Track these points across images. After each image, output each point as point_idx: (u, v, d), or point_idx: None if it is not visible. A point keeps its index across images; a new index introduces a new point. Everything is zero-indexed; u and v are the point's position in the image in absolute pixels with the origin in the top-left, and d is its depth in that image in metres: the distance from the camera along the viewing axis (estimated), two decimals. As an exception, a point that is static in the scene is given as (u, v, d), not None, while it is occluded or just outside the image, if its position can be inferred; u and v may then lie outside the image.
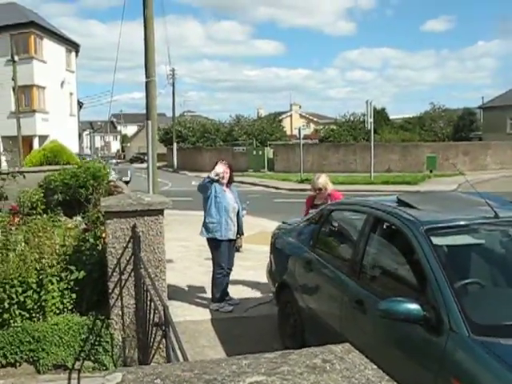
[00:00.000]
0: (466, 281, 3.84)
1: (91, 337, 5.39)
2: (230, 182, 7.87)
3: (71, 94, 42.90)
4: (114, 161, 53.00)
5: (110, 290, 5.37)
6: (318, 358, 1.35)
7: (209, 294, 7.81)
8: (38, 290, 5.38)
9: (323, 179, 7.54)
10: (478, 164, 38.38)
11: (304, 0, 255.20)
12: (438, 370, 3.32)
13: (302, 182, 30.61)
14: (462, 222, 4.20)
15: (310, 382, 1.20)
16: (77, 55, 44.80)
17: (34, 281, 5.35)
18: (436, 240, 3.96)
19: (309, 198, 7.76)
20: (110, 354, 5.37)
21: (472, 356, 3.17)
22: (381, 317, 3.71)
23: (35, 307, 5.40)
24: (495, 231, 4.43)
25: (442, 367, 3.30)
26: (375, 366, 1.35)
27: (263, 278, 7.51)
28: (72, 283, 5.60)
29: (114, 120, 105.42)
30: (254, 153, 44.17)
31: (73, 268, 5.64)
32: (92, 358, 5.40)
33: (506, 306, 3.70)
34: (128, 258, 5.29)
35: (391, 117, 63.07)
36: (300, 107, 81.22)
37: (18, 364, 5.29)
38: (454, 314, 3.39)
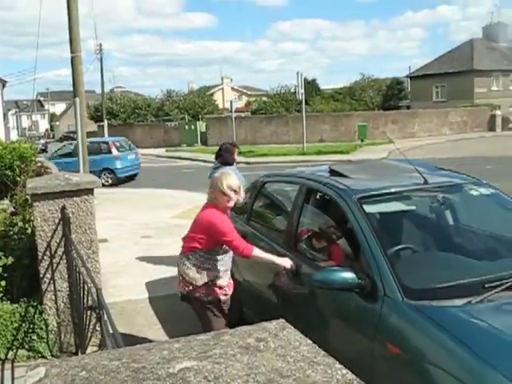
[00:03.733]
0: (399, 247, 3.92)
1: (24, 324, 5.21)
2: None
3: (-8, 72, 41.09)
4: (43, 140, 51.34)
5: (41, 275, 5.20)
6: (252, 338, 1.32)
7: (145, 272, 7.70)
8: (-36, 278, 5.15)
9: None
10: (407, 132, 39.37)
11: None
12: (374, 336, 3.38)
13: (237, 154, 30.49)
14: (393, 190, 4.26)
15: (244, 363, 1.16)
16: (-4, 31, 42.81)
17: (-41, 269, 5.11)
18: (368, 208, 4.00)
19: (223, 214, 4.52)
20: (46, 340, 5.22)
21: (406, 320, 3.24)
22: (317, 287, 3.74)
23: (-39, 297, 5.17)
24: (425, 197, 4.53)
25: (377, 333, 3.35)
26: (310, 342, 1.32)
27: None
28: (0, 270, 5.38)
29: (41, 98, 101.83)
30: (187, 127, 43.74)
31: (1, 254, 5.43)
32: (26, 347, 5.23)
33: (436, 270, 3.79)
34: (58, 240, 5.12)
35: (322, 87, 63.73)
36: (231, 80, 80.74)
37: None
38: (387, 279, 3.45)
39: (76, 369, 1.22)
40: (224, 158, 7.48)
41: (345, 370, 1.18)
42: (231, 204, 4.44)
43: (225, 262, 4.51)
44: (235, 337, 1.32)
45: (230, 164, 7.37)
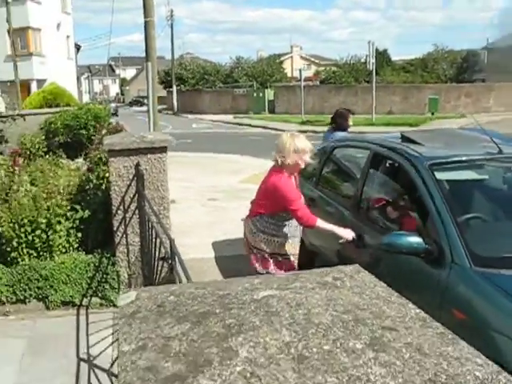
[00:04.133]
0: (469, 215, 3.88)
1: (98, 274, 5.48)
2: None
3: (68, 36, 42.09)
4: (114, 104, 52.56)
5: (114, 229, 5.43)
6: (329, 277, 1.38)
7: (212, 233, 7.88)
8: (47, 229, 5.43)
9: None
10: (481, 106, 38.00)
11: None
12: (440, 301, 3.39)
13: (303, 123, 30.49)
14: (465, 158, 4.20)
15: (323, 295, 1.23)
16: (73, -4, 43.79)
17: (44, 221, 5.39)
18: (440, 175, 3.97)
19: (290, 180, 4.51)
20: (117, 290, 5.47)
21: (474, 286, 3.24)
22: (384, 250, 3.76)
23: (43, 246, 5.46)
24: (499, 167, 4.43)
25: (444, 299, 3.36)
26: (384, 284, 1.38)
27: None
28: (78, 222, 5.65)
29: (113, 63, 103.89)
30: (255, 95, 43.76)
31: (78, 207, 5.69)
32: (99, 295, 5.50)
33: (506, 240, 3.74)
34: (132, 196, 5.32)
35: (393, 58, 62.16)
36: (301, 49, 79.98)
37: (27, 300, 5.40)
38: (456, 246, 3.44)
39: (165, 294, 1.31)
40: (338, 123, 7.40)
41: (418, 310, 1.23)
42: (301, 166, 4.40)
43: (291, 228, 4.50)
44: (313, 275, 1.39)
45: (344, 130, 7.29)
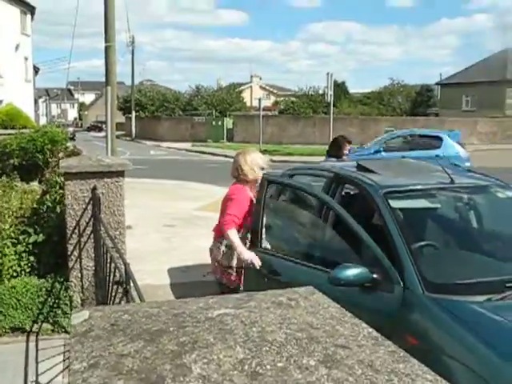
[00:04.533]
0: (422, 243, 3.95)
1: (50, 299, 5.36)
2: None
3: (26, 58, 41.66)
4: (71, 129, 52.00)
5: (69, 253, 5.33)
6: (284, 297, 1.39)
7: (167, 259, 7.82)
8: (-5, 252, 5.30)
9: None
10: (435, 139, 39.01)
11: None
12: (393, 327, 3.42)
13: (261, 152, 30.68)
14: (419, 187, 4.30)
15: (277, 315, 1.24)
16: (32, 18, 43.44)
17: (-8, 243, 5.27)
18: (394, 203, 4.04)
19: (244, 191, 4.96)
20: (69, 315, 5.35)
21: (426, 312, 3.29)
22: (334, 284, 3.69)
23: (-9, 270, 5.33)
24: (451, 196, 4.56)
25: (397, 324, 3.40)
26: (338, 305, 1.39)
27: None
28: (30, 246, 5.54)
29: (71, 87, 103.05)
30: (214, 123, 43.97)
31: (31, 231, 5.57)
32: (51, 321, 5.37)
33: (458, 267, 3.83)
34: (87, 219, 5.25)
35: (351, 91, 63.55)
36: (260, 79, 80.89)
37: (-26, 326, 5.23)
38: (409, 272, 3.49)
39: (119, 312, 1.30)
40: (333, 150, 7.44)
41: (370, 329, 1.25)
42: (257, 177, 4.80)
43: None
44: (267, 295, 1.40)
45: (339, 157, 7.20)
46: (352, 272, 3.55)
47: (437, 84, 58.54)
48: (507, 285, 3.41)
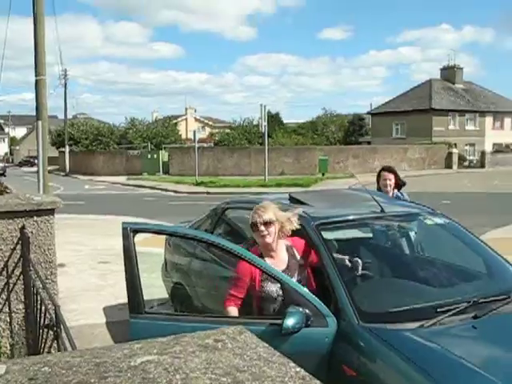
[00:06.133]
0: (355, 272, 4.01)
1: (-25, 346, 5.10)
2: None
3: (-48, 93, 40.39)
4: (1, 164, 50.51)
5: (-4, 296, 5.11)
6: (210, 339, 1.37)
7: (102, 297, 7.62)
8: None
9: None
10: (367, 167, 40.07)
11: (207, 4, 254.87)
12: (328, 359, 3.42)
13: (197, 184, 30.71)
14: (350, 217, 4.37)
15: (202, 359, 1.22)
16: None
17: None
18: (326, 234, 4.09)
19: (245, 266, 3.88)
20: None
21: (361, 342, 3.32)
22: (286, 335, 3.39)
23: None
24: (382, 225, 4.66)
25: (332, 357, 3.40)
26: (266, 345, 1.38)
27: (159, 280, 7.44)
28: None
29: (2, 122, 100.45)
30: (149, 156, 43.67)
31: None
32: (-23, 369, 5.11)
33: (391, 295, 3.90)
34: (16, 260, 5.06)
35: (285, 121, 64.61)
36: (195, 111, 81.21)
37: None
38: (344, 303, 3.52)
39: (38, 365, 1.25)
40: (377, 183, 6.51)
41: (298, 368, 1.24)
42: (261, 240, 3.95)
43: None
44: (194, 338, 1.38)
45: (379, 190, 6.29)
46: (295, 316, 3.34)
47: (368, 113, 60.34)
48: (438, 310, 3.49)
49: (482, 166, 46.35)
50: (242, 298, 3.85)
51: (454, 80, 55.90)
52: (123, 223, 3.81)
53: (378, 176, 6.45)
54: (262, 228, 3.88)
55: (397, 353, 3.11)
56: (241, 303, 3.84)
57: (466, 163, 47.28)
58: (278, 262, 3.91)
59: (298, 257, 3.96)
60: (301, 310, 3.36)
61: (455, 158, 45.27)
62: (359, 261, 4.03)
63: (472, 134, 52.55)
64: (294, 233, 4.05)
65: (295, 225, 3.99)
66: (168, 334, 2.94)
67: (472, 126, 53.99)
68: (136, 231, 3.82)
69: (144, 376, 1.13)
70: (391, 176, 6.30)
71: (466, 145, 51.12)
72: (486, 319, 3.45)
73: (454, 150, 45.77)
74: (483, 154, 47.79)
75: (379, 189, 6.29)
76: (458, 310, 3.49)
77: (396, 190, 6.36)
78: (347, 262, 4.04)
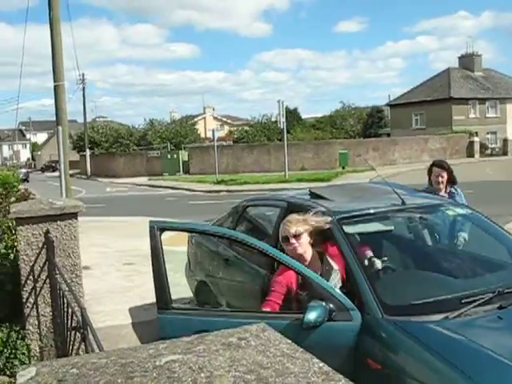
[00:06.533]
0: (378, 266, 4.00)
1: (5, 350, 5.19)
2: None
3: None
4: (24, 170, 51.16)
5: (24, 300, 5.20)
6: (234, 337, 1.39)
7: (128, 298, 7.69)
8: None
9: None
10: (387, 159, 39.88)
11: (221, 3, 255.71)
12: (354, 354, 3.43)
13: (218, 183, 30.80)
14: (371, 211, 4.36)
15: (226, 357, 1.24)
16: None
17: None
18: (348, 229, 4.09)
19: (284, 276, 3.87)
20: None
21: (386, 335, 3.31)
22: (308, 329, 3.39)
23: None
24: (403, 217, 4.64)
25: (357, 351, 3.41)
26: (289, 341, 1.40)
27: (183, 279, 7.49)
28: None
29: (23, 128, 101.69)
30: (169, 156, 43.90)
31: (-17, 280, 5.42)
32: (7, 373, 5.19)
33: (414, 287, 3.88)
34: (42, 264, 5.14)
35: (304, 116, 64.48)
36: (213, 109, 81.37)
37: None
38: (367, 297, 3.52)
39: (66, 367, 1.28)
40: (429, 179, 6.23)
41: (322, 364, 1.25)
42: (295, 251, 3.96)
43: None
44: (218, 337, 1.40)
45: (430, 185, 6.10)
46: (317, 310, 3.35)
47: (386, 105, 59.94)
48: (463, 301, 3.47)
49: (505, 153, 45.87)
50: (279, 304, 3.85)
51: (473, 68, 55.23)
52: (150, 221, 3.84)
53: (430, 171, 6.16)
54: (293, 241, 3.95)
55: (422, 345, 3.10)
56: (278, 308, 3.83)
57: (488, 151, 46.78)
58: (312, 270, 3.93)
59: (332, 262, 3.96)
60: (323, 304, 3.37)
61: (477, 147, 44.85)
62: (378, 260, 4.03)
63: (493, 122, 51.91)
64: (326, 239, 4.08)
65: (324, 225, 4.03)
66: (194, 328, 3.17)
67: (493, 113, 53.30)
68: (163, 229, 3.81)
69: (169, 375, 1.15)
70: (443, 173, 5.98)
71: (488, 133, 50.49)
72: (511, 309, 3.43)
73: (476, 139, 45.33)
74: (505, 141, 47.29)
75: (431, 184, 6.06)
76: (482, 300, 3.46)
77: (449, 187, 6.03)
78: (370, 256, 4.03)
